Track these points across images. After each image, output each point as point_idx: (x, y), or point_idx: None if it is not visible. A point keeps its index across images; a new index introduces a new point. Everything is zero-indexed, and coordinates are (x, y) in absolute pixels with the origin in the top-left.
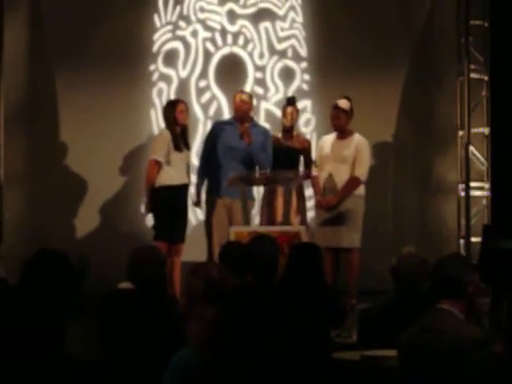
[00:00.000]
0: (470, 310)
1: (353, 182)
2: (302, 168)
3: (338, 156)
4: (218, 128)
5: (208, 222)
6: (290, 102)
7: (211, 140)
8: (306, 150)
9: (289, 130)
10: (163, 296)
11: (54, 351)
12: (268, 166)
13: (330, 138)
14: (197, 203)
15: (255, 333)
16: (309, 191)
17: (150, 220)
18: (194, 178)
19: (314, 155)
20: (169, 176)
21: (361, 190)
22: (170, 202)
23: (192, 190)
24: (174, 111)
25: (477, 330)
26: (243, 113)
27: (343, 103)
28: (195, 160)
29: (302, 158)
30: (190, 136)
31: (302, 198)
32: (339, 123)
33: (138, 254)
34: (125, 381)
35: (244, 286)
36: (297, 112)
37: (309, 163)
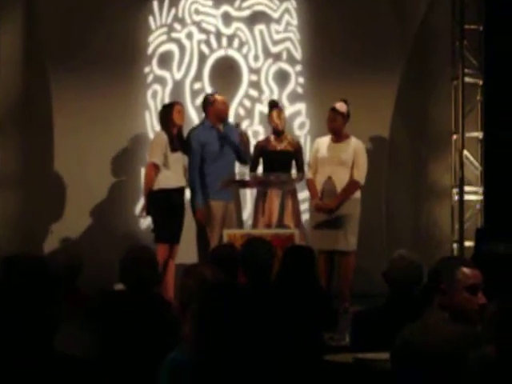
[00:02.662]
0: (461, 312)
1: (352, 186)
2: (294, 170)
3: (337, 159)
4: (202, 134)
5: (203, 226)
6: (275, 104)
7: (197, 146)
8: (298, 152)
9: (280, 133)
10: (156, 297)
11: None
12: (248, 164)
13: (325, 141)
14: (203, 215)
15: (243, 333)
16: (303, 194)
17: (144, 222)
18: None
19: (306, 157)
20: (166, 179)
21: (357, 194)
22: (168, 205)
23: (188, 194)
24: (172, 112)
25: (467, 331)
26: (227, 115)
27: (340, 106)
28: None
29: (293, 161)
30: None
31: (295, 200)
32: (335, 126)
33: (129, 253)
34: (119, 381)
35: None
36: (283, 113)
37: (301, 165)
